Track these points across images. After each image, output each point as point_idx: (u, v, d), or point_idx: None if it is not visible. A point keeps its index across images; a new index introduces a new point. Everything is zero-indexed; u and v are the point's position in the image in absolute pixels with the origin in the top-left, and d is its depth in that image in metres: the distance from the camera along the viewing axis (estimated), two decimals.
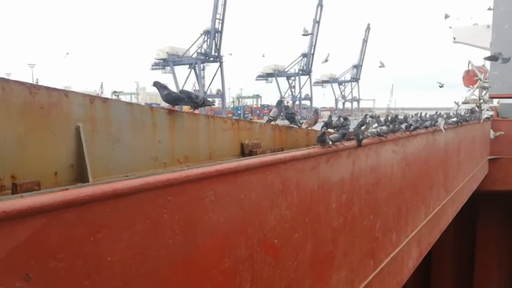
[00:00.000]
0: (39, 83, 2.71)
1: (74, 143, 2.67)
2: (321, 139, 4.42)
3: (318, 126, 5.49)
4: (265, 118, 5.23)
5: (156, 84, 3.60)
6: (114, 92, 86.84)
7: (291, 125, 5.13)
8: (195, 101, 3.77)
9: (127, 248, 2.46)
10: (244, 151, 4.17)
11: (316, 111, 5.66)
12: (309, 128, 5.30)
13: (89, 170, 2.66)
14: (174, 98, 3.57)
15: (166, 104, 3.63)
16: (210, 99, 4.18)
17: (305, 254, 4.26)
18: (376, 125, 6.58)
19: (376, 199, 6.10)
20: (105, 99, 2.94)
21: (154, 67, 70.48)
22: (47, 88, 2.55)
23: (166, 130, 3.42)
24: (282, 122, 5.20)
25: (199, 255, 2.98)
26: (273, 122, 4.79)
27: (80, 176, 2.69)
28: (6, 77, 2.41)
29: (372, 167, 5.82)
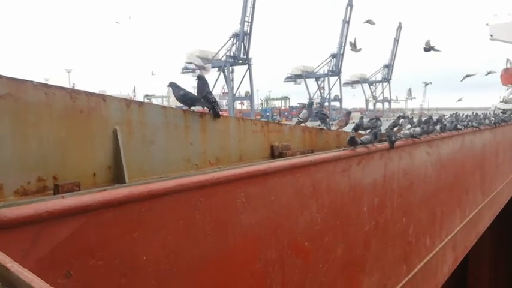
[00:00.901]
0: (75, 87, 2.84)
1: (111, 146, 2.78)
2: (352, 141, 4.36)
3: (349, 128, 5.43)
4: (294, 120, 5.20)
5: (172, 84, 3.54)
6: (146, 95, 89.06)
7: (321, 127, 5.10)
8: (207, 96, 3.62)
9: (161, 247, 2.53)
10: (274, 153, 4.18)
11: (348, 113, 5.59)
12: (340, 129, 5.25)
13: (125, 171, 2.76)
14: (191, 99, 3.50)
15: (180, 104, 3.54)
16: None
17: (336, 257, 4.22)
18: (409, 126, 6.43)
19: (410, 202, 5.95)
20: (141, 103, 3.04)
21: (184, 71, 71.83)
22: (86, 93, 2.67)
23: (198, 132, 3.49)
24: (311, 123, 5.17)
25: (231, 256, 3.02)
26: (302, 124, 4.78)
27: (117, 177, 2.79)
28: (45, 82, 2.54)
29: (405, 169, 5.69)
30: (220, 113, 3.71)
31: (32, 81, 2.40)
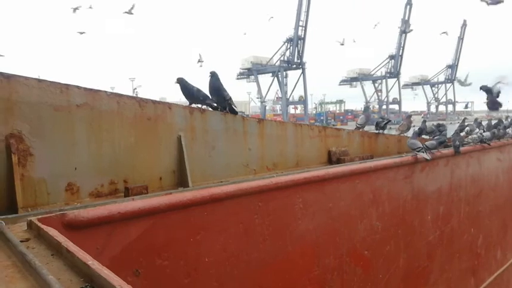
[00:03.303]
0: (138, 95, 3.02)
1: (175, 151, 2.92)
2: (414, 145, 4.18)
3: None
4: (350, 124, 5.06)
5: (180, 80, 3.32)
6: None
7: (380, 131, 4.94)
8: (223, 94, 3.39)
9: (222, 250, 2.60)
10: (332, 158, 4.13)
11: (409, 116, 5.36)
12: (401, 134, 5.05)
13: (189, 176, 2.88)
14: (204, 97, 3.28)
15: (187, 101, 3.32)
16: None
17: (398, 267, 4.05)
18: (477, 130, 6.01)
19: (478, 212, 5.56)
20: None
21: (239, 77, 73.21)
22: (154, 101, 2.83)
23: (256, 138, 3.54)
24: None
25: (289, 261, 3.02)
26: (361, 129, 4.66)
27: (181, 181, 2.92)
28: (111, 90, 2.73)
29: (473, 176, 5.33)
30: (253, 115, 3.51)
31: (105, 91, 2.60)
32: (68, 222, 1.92)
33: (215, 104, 3.38)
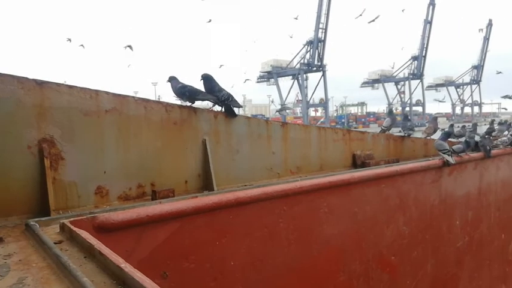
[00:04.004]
0: (161, 99, 3.06)
1: (201, 155, 2.94)
2: (441, 146, 4.07)
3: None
4: (372, 126, 4.95)
5: (171, 78, 3.12)
6: None
7: (406, 134, 4.84)
8: (216, 94, 3.13)
9: (247, 254, 2.59)
10: (356, 162, 4.07)
11: (435, 119, 5.23)
12: (428, 137, 4.93)
13: (214, 179, 2.90)
14: (190, 92, 3.00)
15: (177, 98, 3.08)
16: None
17: (425, 274, 3.95)
18: (506, 132, 5.82)
19: (509, 217, 5.37)
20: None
21: (259, 80, 73.41)
22: (179, 106, 2.87)
23: (280, 142, 3.54)
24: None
25: (314, 266, 2.99)
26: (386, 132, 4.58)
27: (206, 184, 2.94)
28: (134, 95, 2.77)
29: (504, 180, 5.15)
30: (241, 112, 3.19)
31: (133, 97, 2.65)
32: (98, 225, 1.96)
33: (211, 100, 3.14)
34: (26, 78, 2.25)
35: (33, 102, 2.25)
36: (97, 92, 2.47)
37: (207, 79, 3.19)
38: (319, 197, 3.02)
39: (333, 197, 3.11)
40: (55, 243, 1.70)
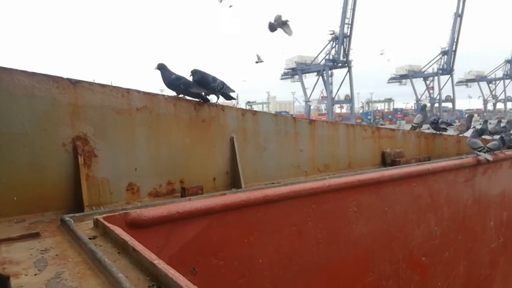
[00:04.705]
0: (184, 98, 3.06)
1: (228, 152, 2.95)
2: (475, 144, 3.93)
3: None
4: (398, 123, 4.81)
5: (161, 66, 2.93)
6: (248, 102, 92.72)
7: (438, 132, 4.70)
8: (212, 86, 2.97)
9: (275, 252, 2.59)
10: (386, 160, 3.98)
11: (470, 116, 5.04)
12: (460, 134, 4.77)
13: (241, 177, 2.90)
14: (185, 84, 2.83)
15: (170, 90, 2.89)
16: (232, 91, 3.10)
17: (457, 275, 3.83)
18: None
19: None
20: (254, 112, 3.18)
21: (283, 77, 73.16)
22: (208, 104, 2.89)
23: (307, 139, 3.50)
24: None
25: (342, 266, 2.95)
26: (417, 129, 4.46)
27: (233, 181, 2.95)
28: (160, 93, 2.78)
29: None
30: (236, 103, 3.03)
31: (163, 95, 2.69)
32: (130, 221, 2.00)
33: (203, 93, 2.97)
34: (61, 77, 2.32)
35: (67, 101, 2.32)
36: (128, 91, 2.52)
37: (198, 74, 3.01)
38: (348, 196, 2.98)
39: (362, 195, 3.05)
40: (89, 238, 1.74)
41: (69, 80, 2.34)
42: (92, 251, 1.52)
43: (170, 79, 2.85)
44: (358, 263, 3.05)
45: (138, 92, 2.59)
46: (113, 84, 2.52)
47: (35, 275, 1.43)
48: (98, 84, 2.45)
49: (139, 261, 1.45)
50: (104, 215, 1.97)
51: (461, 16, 73.79)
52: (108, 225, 1.82)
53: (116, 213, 2.03)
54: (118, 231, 1.72)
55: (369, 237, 3.09)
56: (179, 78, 2.85)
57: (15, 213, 2.17)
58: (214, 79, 3.01)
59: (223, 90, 3.03)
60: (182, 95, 2.86)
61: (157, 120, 2.63)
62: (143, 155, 2.58)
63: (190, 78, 2.95)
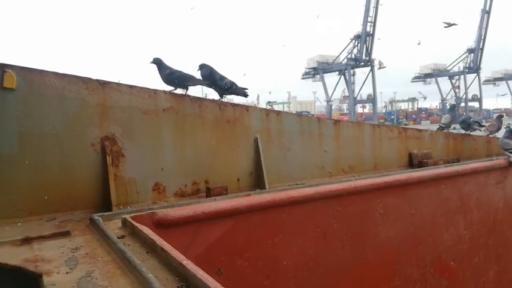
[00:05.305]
0: (207, 97, 3.07)
1: (252, 153, 2.95)
2: (507, 145, 3.79)
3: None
4: (423, 123, 4.67)
5: (157, 61, 2.86)
6: (269, 102, 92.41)
7: (467, 132, 4.55)
8: (219, 83, 2.92)
9: (300, 253, 2.56)
10: (413, 161, 3.89)
11: (500, 116, 4.87)
12: (490, 135, 4.61)
13: (266, 177, 2.89)
14: (179, 79, 2.75)
15: (168, 86, 2.79)
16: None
17: (487, 281, 3.71)
18: None
19: None
20: (278, 112, 3.16)
21: (304, 76, 72.66)
22: (232, 104, 2.89)
23: (332, 140, 3.46)
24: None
25: (368, 269, 2.90)
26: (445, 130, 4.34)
27: (257, 182, 2.94)
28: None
29: None
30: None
31: (189, 96, 2.70)
32: (157, 220, 2.02)
33: (204, 84, 2.96)
34: (90, 78, 2.37)
35: (96, 102, 2.36)
36: (155, 92, 2.55)
37: (206, 69, 2.98)
38: (375, 198, 2.92)
39: (388, 197, 2.99)
40: (118, 237, 1.77)
41: (98, 81, 2.39)
42: (121, 251, 1.54)
43: (165, 74, 2.80)
44: (384, 266, 2.99)
45: (164, 92, 2.62)
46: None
47: (67, 273, 1.45)
48: (126, 85, 2.48)
49: (168, 261, 1.46)
50: (132, 215, 1.99)
51: (488, 13, 71.48)
52: (136, 224, 1.84)
53: (143, 212, 2.06)
54: (146, 230, 1.74)
55: (395, 240, 3.02)
56: (173, 73, 2.78)
57: (46, 212, 2.23)
58: (222, 77, 2.97)
59: (232, 91, 2.98)
60: (182, 90, 2.76)
61: (183, 120, 2.64)
62: (169, 155, 2.60)
63: (198, 72, 2.95)
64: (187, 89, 2.77)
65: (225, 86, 2.94)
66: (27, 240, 1.81)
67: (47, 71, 2.24)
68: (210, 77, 2.95)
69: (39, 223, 2.14)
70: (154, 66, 2.88)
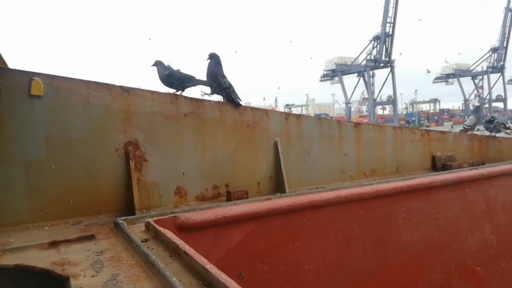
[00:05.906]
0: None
1: (272, 156, 2.95)
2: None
3: None
4: (446, 124, 4.57)
5: (157, 63, 2.85)
6: (287, 105, 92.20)
7: (492, 133, 4.43)
8: (219, 80, 2.87)
9: (321, 258, 2.54)
10: (436, 164, 3.81)
11: None
12: None
13: (286, 181, 2.88)
14: (178, 80, 2.71)
15: (167, 87, 2.75)
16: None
17: None
18: None
19: None
20: (298, 116, 3.15)
21: (323, 78, 72.22)
22: (252, 108, 2.91)
23: (353, 143, 3.43)
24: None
25: (391, 274, 2.85)
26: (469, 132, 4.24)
27: (278, 186, 2.94)
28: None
29: None
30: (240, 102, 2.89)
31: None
32: (180, 224, 2.04)
33: (205, 85, 2.92)
34: (113, 85, 2.42)
35: (119, 108, 2.41)
36: (176, 97, 2.59)
37: (215, 60, 2.92)
38: (397, 202, 2.88)
39: (411, 201, 2.94)
40: (142, 241, 1.79)
41: (121, 87, 2.44)
42: (146, 254, 1.57)
43: (163, 75, 2.76)
44: (408, 271, 2.93)
45: (185, 97, 2.66)
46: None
47: (93, 276, 1.48)
48: (148, 90, 2.53)
49: (191, 265, 1.47)
50: (155, 218, 2.02)
51: None
52: (159, 228, 1.86)
53: (165, 216, 2.09)
54: (169, 234, 1.76)
55: (419, 244, 2.97)
56: (171, 75, 2.74)
57: (71, 215, 2.28)
58: (224, 76, 2.94)
59: (229, 91, 2.91)
60: (180, 92, 2.73)
61: (204, 125, 2.67)
62: (190, 160, 2.63)
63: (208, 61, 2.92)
64: (183, 90, 2.73)
65: (224, 85, 2.90)
66: (54, 244, 1.86)
67: (72, 78, 2.31)
68: (215, 67, 2.91)
69: (65, 227, 2.19)
70: (155, 69, 2.86)
